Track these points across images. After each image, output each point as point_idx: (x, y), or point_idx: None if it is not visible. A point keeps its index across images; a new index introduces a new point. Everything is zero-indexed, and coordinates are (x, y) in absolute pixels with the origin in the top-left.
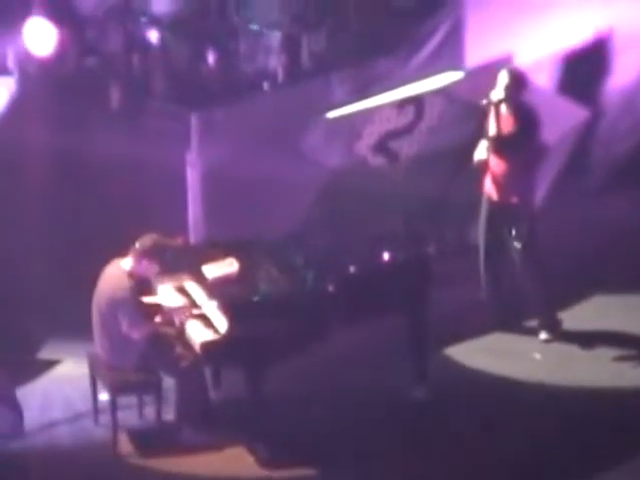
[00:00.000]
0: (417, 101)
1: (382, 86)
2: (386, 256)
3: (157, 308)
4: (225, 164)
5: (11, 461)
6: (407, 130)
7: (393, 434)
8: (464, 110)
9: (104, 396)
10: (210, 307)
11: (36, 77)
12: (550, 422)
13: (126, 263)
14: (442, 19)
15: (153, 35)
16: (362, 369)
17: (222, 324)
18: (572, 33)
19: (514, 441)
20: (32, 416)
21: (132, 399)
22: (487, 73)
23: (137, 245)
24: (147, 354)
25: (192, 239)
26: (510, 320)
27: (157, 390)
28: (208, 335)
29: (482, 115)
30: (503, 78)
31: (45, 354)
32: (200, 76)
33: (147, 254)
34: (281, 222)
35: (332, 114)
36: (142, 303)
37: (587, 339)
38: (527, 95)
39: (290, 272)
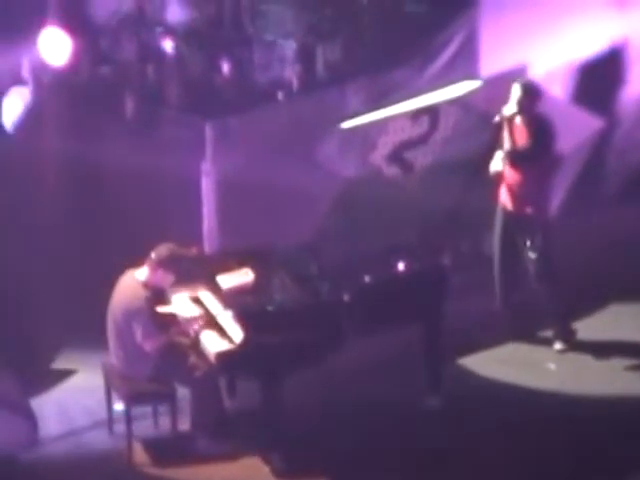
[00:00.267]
0: (432, 111)
1: (397, 96)
2: (401, 266)
3: (172, 318)
4: (240, 173)
5: (26, 471)
6: (422, 140)
7: (408, 444)
8: (479, 120)
9: (119, 406)
10: (225, 317)
11: (51, 87)
12: (564, 432)
13: (141, 273)
14: (457, 30)
15: (167, 45)
16: (377, 379)
17: (237, 334)
18: (587, 43)
19: (528, 451)
20: (47, 426)
21: (147, 409)
22: (502, 83)
23: (153, 255)
24: (162, 364)
25: (207, 249)
26: (525, 330)
27: (172, 400)
28: (223, 345)
29: (496, 128)
30: (516, 91)
31: (60, 364)
32: (215, 85)
33: (163, 264)
34: (295, 232)
35: (347, 124)
36: (157, 313)
37: (601, 349)
38: (541, 106)
39: (305, 282)
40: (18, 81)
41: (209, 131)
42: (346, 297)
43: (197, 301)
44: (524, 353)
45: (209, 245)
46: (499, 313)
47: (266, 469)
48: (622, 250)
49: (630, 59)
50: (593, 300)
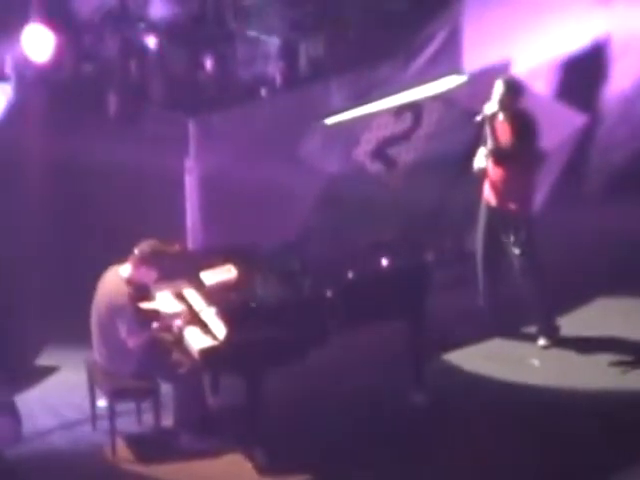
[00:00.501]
0: (415, 107)
1: (380, 92)
2: (384, 262)
3: (155, 314)
4: (223, 170)
5: (10, 468)
6: (405, 136)
7: (392, 439)
8: (462, 116)
9: (102, 402)
10: (208, 313)
11: (34, 83)
12: (548, 428)
13: (124, 269)
14: (440, 25)
15: (151, 41)
16: (360, 375)
17: (220, 330)
18: (570, 39)
19: (512, 446)
20: (31, 423)
21: (130, 405)
22: (486, 79)
23: (136, 251)
24: (145, 360)
25: (190, 245)
26: (508, 326)
27: (155, 396)
28: (206, 342)
29: (479, 125)
30: (498, 88)
31: (43, 361)
32: (198, 82)
33: (146, 260)
34: (279, 228)
35: (330, 120)
36: (140, 310)
37: (586, 345)
38: (524, 102)
39: (288, 278)
40: (0, 77)
41: (192, 127)
42: (329, 293)
43: (180, 297)
44: (508, 349)
45: (192, 241)
46: (483, 309)
47: (249, 465)
48: (606, 246)
49: (613, 55)
50: (577, 296)
